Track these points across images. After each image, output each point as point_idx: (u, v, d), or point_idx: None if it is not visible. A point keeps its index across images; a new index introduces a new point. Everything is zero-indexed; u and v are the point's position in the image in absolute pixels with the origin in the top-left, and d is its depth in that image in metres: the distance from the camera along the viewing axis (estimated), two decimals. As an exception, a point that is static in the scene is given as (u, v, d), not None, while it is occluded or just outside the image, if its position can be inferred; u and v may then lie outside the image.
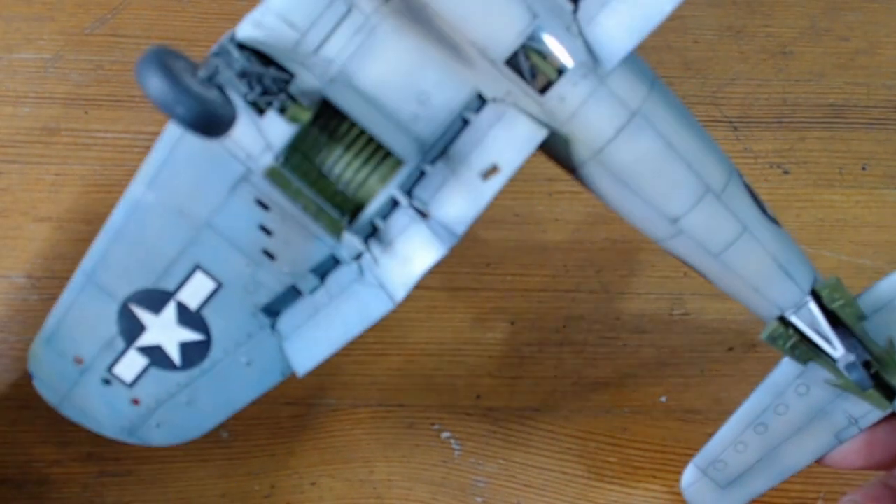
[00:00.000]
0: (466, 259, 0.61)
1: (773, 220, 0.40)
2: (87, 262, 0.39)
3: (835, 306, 0.40)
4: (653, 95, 0.36)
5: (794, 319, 0.41)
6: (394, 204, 0.37)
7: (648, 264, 0.62)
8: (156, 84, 0.29)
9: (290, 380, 0.57)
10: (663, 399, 0.59)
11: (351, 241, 0.37)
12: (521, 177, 0.63)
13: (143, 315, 0.39)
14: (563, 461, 0.57)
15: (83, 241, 0.59)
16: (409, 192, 0.36)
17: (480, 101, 0.36)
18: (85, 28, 0.67)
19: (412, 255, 0.36)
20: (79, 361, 0.40)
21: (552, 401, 0.58)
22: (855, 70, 0.70)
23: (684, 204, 0.38)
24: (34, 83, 0.64)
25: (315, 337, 0.39)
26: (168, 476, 0.54)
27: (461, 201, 0.36)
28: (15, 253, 0.59)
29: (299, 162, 0.36)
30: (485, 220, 0.63)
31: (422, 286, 0.58)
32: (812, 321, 0.40)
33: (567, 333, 0.60)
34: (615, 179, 0.37)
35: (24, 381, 0.56)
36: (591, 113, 0.35)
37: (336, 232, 0.37)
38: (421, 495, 0.55)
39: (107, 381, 0.40)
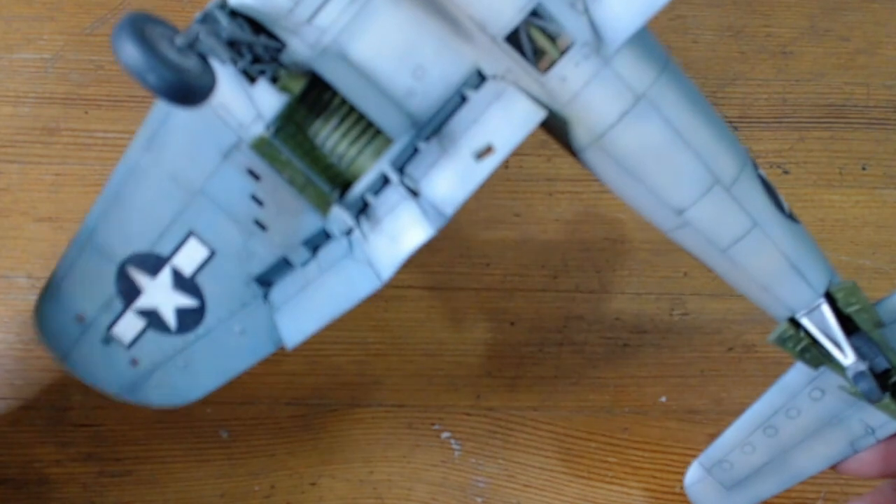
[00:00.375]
0: (466, 259, 0.61)
1: (790, 217, 0.38)
2: (88, 220, 0.39)
3: (850, 311, 0.39)
4: (663, 79, 0.34)
5: (804, 322, 0.39)
6: (385, 181, 0.36)
7: (648, 264, 0.62)
8: (128, 52, 0.28)
9: (291, 380, 0.57)
10: (663, 399, 0.59)
11: (340, 216, 0.36)
12: (522, 177, 0.64)
13: (140, 278, 0.39)
14: (564, 461, 0.57)
15: (83, 241, 0.59)
16: (401, 169, 0.35)
17: (480, 77, 0.35)
18: (85, 28, 0.67)
19: (400, 234, 0.35)
20: (80, 319, 0.40)
21: (552, 401, 0.58)
22: (855, 70, 0.70)
23: (690, 195, 0.36)
24: (34, 83, 0.64)
25: (305, 310, 0.38)
26: (168, 476, 0.54)
27: (452, 182, 0.34)
28: (15, 253, 0.59)
29: (293, 132, 0.36)
30: (485, 219, 0.63)
31: (422, 286, 0.58)
32: (823, 325, 0.39)
33: (567, 333, 0.60)
34: (618, 166, 0.36)
35: (25, 382, 0.56)
36: (594, 96, 0.34)
37: (323, 206, 0.36)
38: (421, 495, 0.55)
39: (106, 341, 0.40)
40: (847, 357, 0.39)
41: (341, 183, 0.37)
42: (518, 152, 0.65)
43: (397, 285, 0.60)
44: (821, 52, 0.71)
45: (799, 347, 0.40)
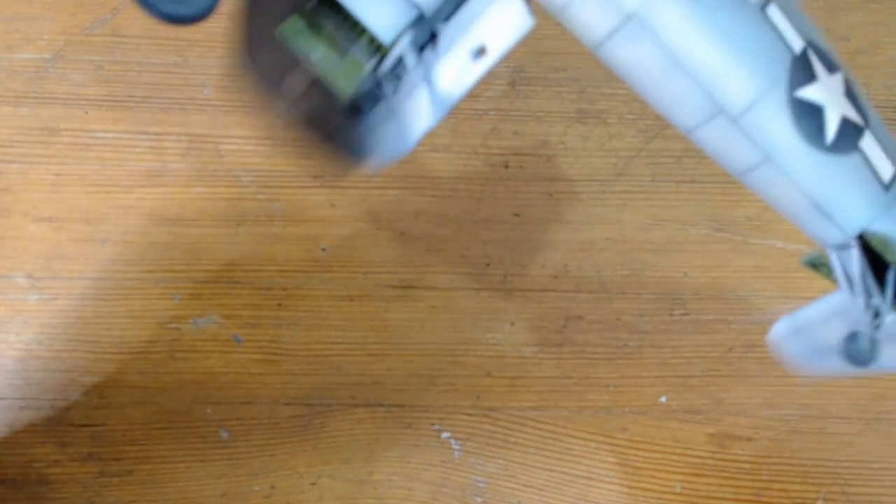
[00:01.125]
0: (466, 259, 0.61)
1: (831, 149, 0.34)
2: None
3: (889, 259, 0.35)
4: None
5: (833, 257, 0.36)
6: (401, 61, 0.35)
7: (648, 264, 0.62)
8: None
9: (291, 380, 0.57)
10: (663, 399, 0.59)
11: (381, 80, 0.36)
12: (522, 177, 0.64)
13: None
14: (563, 461, 0.57)
15: (83, 241, 0.60)
16: (421, 49, 0.35)
17: None
18: (85, 28, 0.67)
19: (413, 115, 0.35)
20: None
21: (552, 401, 0.58)
22: (855, 70, 0.70)
23: (690, 121, 0.34)
24: (34, 83, 0.64)
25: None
26: (168, 476, 0.54)
27: (451, 77, 0.34)
28: (15, 253, 0.59)
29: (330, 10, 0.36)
30: (485, 219, 0.63)
31: (422, 286, 0.58)
32: (850, 267, 0.35)
33: (567, 333, 0.60)
34: (623, 75, 0.34)
35: (24, 382, 0.56)
36: (581, 8, 0.32)
37: (351, 80, 0.36)
38: (421, 495, 0.55)
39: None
40: (858, 300, 0.36)
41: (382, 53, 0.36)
42: (518, 152, 0.65)
43: (398, 285, 0.60)
44: (821, 52, 0.71)
45: (833, 275, 0.37)
